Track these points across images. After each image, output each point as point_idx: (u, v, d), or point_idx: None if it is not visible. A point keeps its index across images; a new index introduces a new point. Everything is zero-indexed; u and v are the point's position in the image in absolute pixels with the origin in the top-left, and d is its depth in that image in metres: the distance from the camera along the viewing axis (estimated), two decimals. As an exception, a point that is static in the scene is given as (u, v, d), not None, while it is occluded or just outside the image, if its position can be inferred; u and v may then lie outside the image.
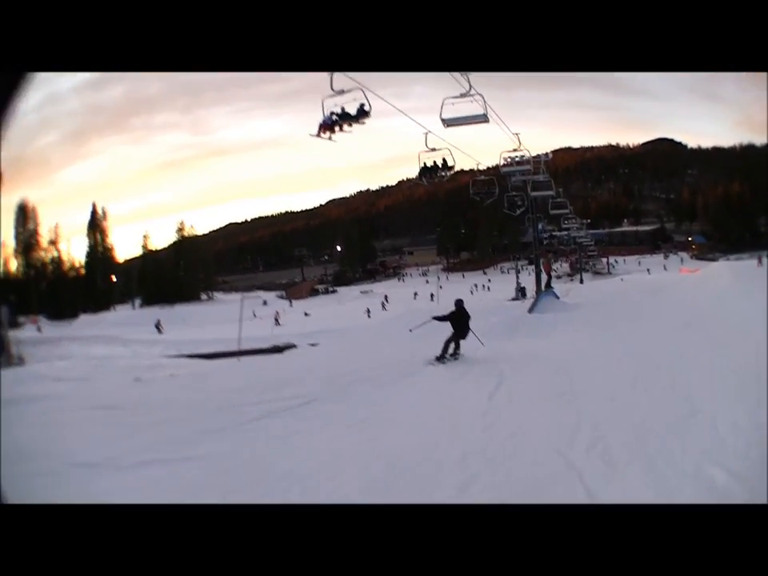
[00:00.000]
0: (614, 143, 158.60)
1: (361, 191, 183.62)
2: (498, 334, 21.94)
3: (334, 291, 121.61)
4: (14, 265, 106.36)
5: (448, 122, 30.98)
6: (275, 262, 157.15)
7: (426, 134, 30.21)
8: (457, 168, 33.83)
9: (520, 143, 39.66)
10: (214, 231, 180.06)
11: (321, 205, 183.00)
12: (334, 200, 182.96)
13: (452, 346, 19.40)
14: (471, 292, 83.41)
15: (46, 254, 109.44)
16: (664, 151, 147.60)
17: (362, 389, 16.19)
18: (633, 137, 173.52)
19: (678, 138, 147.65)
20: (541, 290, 44.84)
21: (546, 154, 46.09)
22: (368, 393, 15.73)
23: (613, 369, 15.60)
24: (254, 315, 69.27)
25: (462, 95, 29.53)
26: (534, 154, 43.45)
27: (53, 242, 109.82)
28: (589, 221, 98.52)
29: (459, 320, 19.62)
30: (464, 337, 19.57)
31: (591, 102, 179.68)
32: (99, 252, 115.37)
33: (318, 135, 24.80)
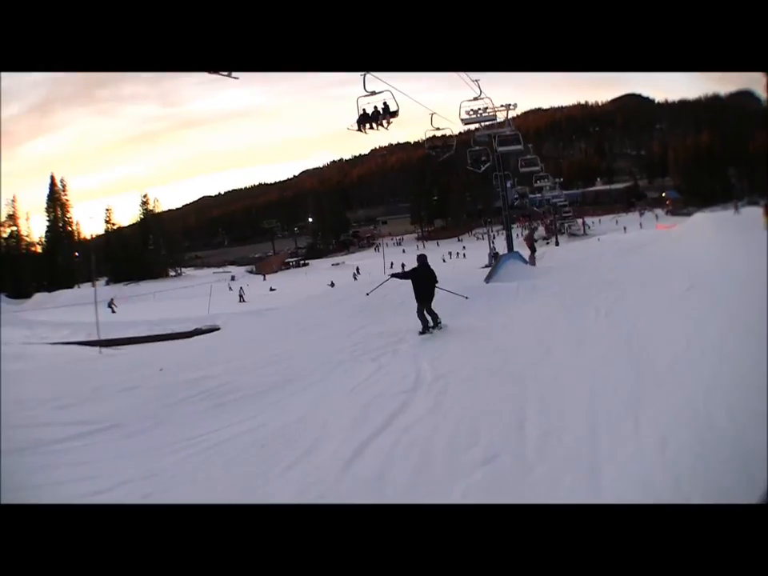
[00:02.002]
0: (582, 102, 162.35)
1: (334, 161, 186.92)
2: (441, 310, 16.87)
3: (305, 264, 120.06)
4: None
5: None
6: (249, 235, 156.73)
7: (364, 75, 27.34)
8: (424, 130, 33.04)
9: (481, 91, 38.30)
10: (186, 205, 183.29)
11: (294, 176, 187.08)
12: (307, 170, 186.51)
13: (428, 316, 16.71)
14: (443, 260, 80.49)
15: (2, 228, 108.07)
16: (632, 107, 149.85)
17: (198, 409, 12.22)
18: (601, 94, 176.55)
19: (645, 93, 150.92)
20: (512, 248, 41.91)
21: (512, 104, 42.88)
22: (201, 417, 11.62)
23: (583, 359, 11.11)
24: (230, 289, 68.18)
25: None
26: (498, 105, 42.42)
27: (11, 216, 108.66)
28: (561, 179, 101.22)
29: (421, 279, 16.76)
30: (429, 299, 16.70)
31: None
32: (59, 227, 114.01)
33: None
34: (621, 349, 11.09)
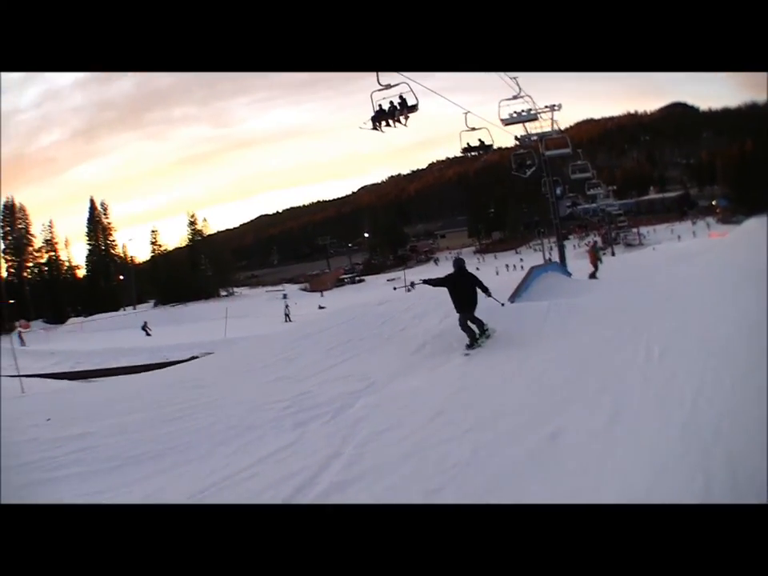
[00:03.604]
0: (632, 111, 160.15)
1: (392, 176, 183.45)
2: (441, 344, 14.50)
3: (360, 281, 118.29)
4: (3, 266, 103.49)
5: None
6: (307, 252, 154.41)
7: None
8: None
9: (520, 90, 35.55)
10: (244, 224, 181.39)
11: (353, 192, 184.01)
12: (365, 186, 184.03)
13: (473, 326, 14.56)
14: (497, 272, 78.96)
15: (40, 254, 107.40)
16: (679, 116, 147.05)
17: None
18: (649, 104, 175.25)
19: (689, 102, 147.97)
20: (565, 260, 40.94)
21: (556, 105, 39.79)
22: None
23: (612, 462, 6.67)
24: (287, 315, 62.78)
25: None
26: (543, 106, 39.63)
27: (48, 242, 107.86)
28: (615, 187, 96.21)
29: (459, 285, 14.69)
30: (471, 306, 14.59)
31: (606, 72, 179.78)
32: (101, 251, 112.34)
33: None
34: (681, 434, 6.55)
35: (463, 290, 14.47)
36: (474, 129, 32.96)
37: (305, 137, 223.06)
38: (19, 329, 70.29)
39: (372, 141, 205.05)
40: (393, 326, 17.14)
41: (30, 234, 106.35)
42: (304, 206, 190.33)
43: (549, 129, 39.63)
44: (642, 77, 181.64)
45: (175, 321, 71.60)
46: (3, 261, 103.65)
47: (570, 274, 31.09)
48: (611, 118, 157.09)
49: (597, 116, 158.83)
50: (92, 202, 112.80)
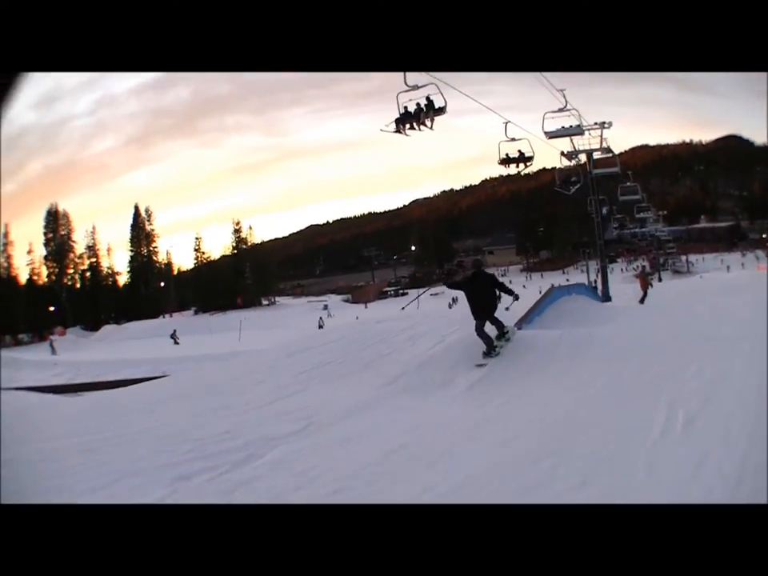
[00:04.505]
0: (687, 140, 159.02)
1: (444, 191, 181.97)
2: (421, 380, 12.28)
3: (404, 294, 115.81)
4: (44, 273, 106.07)
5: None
6: (354, 263, 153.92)
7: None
8: (537, 164, 34.95)
9: (567, 102, 34.55)
10: (293, 234, 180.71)
11: (404, 205, 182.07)
12: (417, 200, 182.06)
13: (491, 329, 13.73)
14: (540, 291, 74.11)
15: (81, 260, 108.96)
16: (734, 148, 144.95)
17: None
18: (704, 134, 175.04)
19: (744, 135, 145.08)
20: (607, 288, 38.94)
21: (606, 122, 38.52)
22: None
23: None
24: (321, 323, 64.85)
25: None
26: (594, 123, 38.66)
27: (90, 248, 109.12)
28: (665, 212, 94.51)
29: (475, 287, 13.88)
30: (490, 310, 13.78)
31: (663, 99, 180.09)
32: (143, 257, 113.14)
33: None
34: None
35: (481, 291, 13.64)
36: (513, 139, 32.03)
37: (359, 148, 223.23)
38: (52, 337, 71.67)
39: (426, 155, 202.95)
40: (379, 350, 15.29)
41: (72, 241, 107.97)
42: (355, 217, 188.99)
43: (597, 146, 38.33)
44: (697, 107, 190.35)
45: (209, 330, 71.04)
46: (45, 267, 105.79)
47: (601, 298, 28.65)
48: (666, 146, 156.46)
49: (652, 142, 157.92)
50: (136, 208, 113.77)
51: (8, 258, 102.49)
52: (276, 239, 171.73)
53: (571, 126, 36.58)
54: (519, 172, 35.47)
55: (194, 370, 22.91)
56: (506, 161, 32.91)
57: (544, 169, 39.06)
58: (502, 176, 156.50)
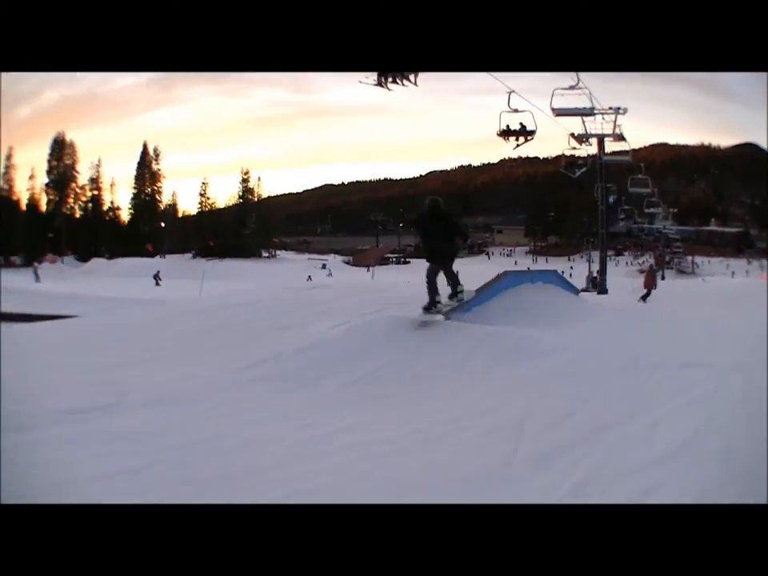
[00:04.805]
0: (706, 143, 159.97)
1: (462, 166, 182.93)
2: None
3: (406, 262, 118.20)
4: (44, 200, 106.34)
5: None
6: (364, 227, 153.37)
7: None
8: (556, 149, 33.29)
9: (579, 80, 33.88)
10: (307, 191, 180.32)
11: (420, 175, 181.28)
12: (434, 172, 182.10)
13: (447, 283, 12.75)
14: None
15: (83, 191, 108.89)
16: (750, 156, 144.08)
17: None
18: (723, 139, 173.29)
19: (762, 144, 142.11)
20: (604, 279, 40.04)
21: (621, 108, 37.54)
22: None
23: None
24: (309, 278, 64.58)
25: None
26: (607, 107, 37.51)
27: (93, 180, 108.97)
28: (675, 210, 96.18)
29: (432, 231, 12.31)
30: (443, 259, 12.38)
31: (687, 100, 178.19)
32: (146, 196, 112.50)
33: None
34: None
35: (434, 239, 12.15)
36: (516, 110, 31.19)
37: (383, 114, 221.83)
38: (37, 264, 70.77)
39: (448, 129, 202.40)
40: (278, 321, 13.15)
41: (76, 171, 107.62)
42: (370, 181, 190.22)
43: (609, 131, 37.54)
44: (719, 111, 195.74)
45: (197, 275, 69.28)
46: (44, 194, 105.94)
47: (568, 287, 22.51)
48: (685, 146, 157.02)
49: (672, 141, 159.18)
50: (144, 146, 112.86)
51: (9, 180, 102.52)
52: (289, 194, 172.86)
53: (585, 108, 35.78)
54: (518, 145, 33.37)
55: (99, 316, 20.28)
56: (505, 133, 31.94)
57: (563, 155, 39.32)
58: (521, 157, 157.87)
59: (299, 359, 10.21)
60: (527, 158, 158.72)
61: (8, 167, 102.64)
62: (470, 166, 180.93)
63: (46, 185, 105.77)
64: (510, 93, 30.19)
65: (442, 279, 12.60)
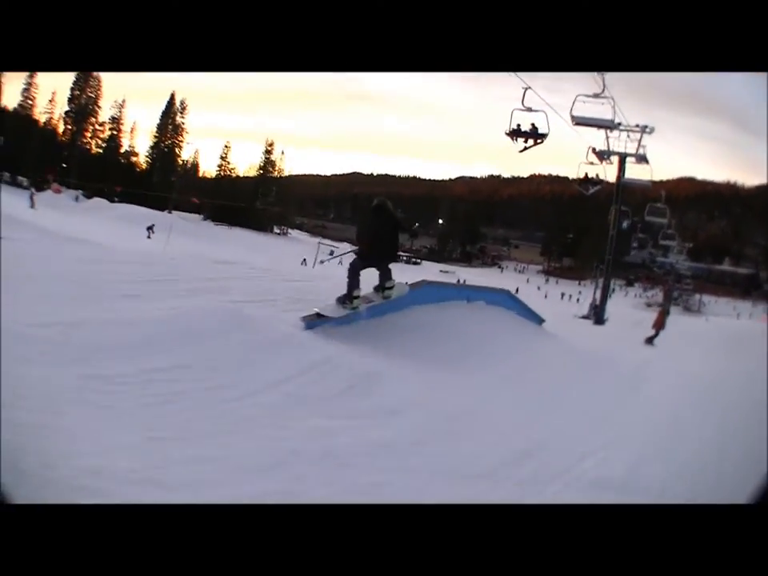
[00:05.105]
0: (732, 181, 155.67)
1: (492, 175, 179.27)
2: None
3: (417, 263, 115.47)
4: (61, 128, 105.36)
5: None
6: None
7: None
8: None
9: (604, 87, 32.91)
10: (335, 175, 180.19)
11: (449, 179, 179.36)
12: (463, 177, 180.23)
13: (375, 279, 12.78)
14: (545, 295, 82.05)
15: (102, 128, 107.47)
16: None
17: None
18: (750, 177, 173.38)
19: None
20: (604, 304, 39.87)
21: (648, 127, 37.04)
22: None
23: None
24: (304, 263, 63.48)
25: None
26: (634, 124, 37.03)
27: (115, 120, 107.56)
28: (691, 245, 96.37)
29: (374, 227, 12.42)
30: (380, 260, 12.46)
31: (720, 135, 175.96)
32: (164, 147, 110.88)
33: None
34: None
35: (375, 237, 12.26)
36: (530, 109, 28.99)
37: (423, 110, 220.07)
38: (33, 189, 71.38)
39: (485, 135, 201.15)
40: (134, 288, 11.72)
41: (98, 106, 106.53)
42: (399, 176, 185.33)
43: (633, 151, 37.04)
44: (748, 148, 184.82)
45: (196, 236, 68.67)
46: (63, 122, 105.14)
47: (523, 310, 19.13)
48: (711, 182, 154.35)
49: (699, 176, 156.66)
50: (172, 96, 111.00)
51: (31, 99, 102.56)
52: (315, 175, 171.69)
53: (607, 120, 34.76)
54: (525, 148, 30.55)
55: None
56: (515, 133, 29.56)
57: (577, 179, 39.03)
58: (550, 175, 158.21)
59: (91, 332, 8.54)
60: (556, 176, 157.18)
61: (29, 84, 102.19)
62: (499, 176, 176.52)
63: (66, 113, 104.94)
64: (525, 89, 28.33)
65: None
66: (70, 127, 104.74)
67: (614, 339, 25.71)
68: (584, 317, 42.55)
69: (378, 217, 12.34)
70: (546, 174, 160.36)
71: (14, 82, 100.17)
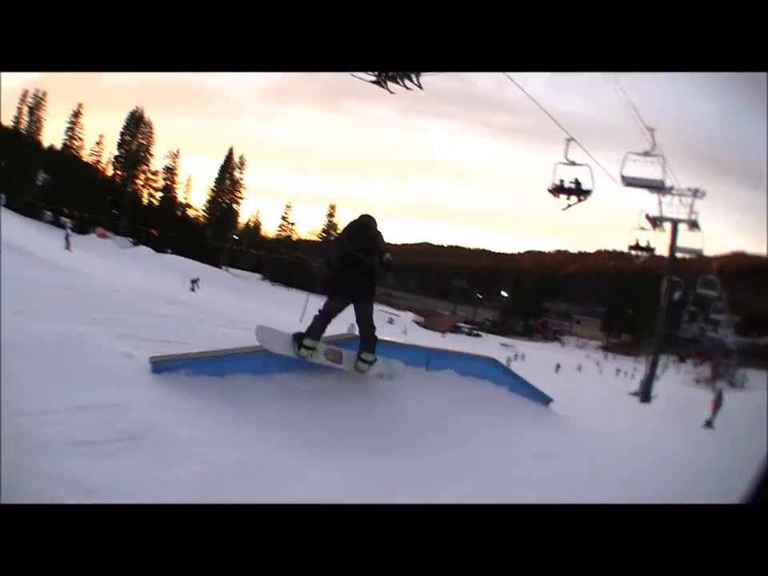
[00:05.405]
0: None
1: (559, 250, 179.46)
2: None
3: (477, 335, 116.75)
4: (110, 171, 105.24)
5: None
6: (445, 291, 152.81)
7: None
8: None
9: (654, 144, 31.82)
10: (405, 244, 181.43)
11: (518, 252, 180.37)
12: (531, 251, 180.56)
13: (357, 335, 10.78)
14: (600, 371, 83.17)
15: (155, 177, 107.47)
16: None
17: None
18: None
19: None
20: (652, 380, 38.41)
21: (699, 191, 36.04)
22: None
23: None
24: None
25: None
26: (687, 188, 36.19)
27: (169, 170, 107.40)
28: (739, 319, 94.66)
29: (354, 257, 10.10)
30: (363, 298, 10.30)
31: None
32: (221, 202, 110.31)
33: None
34: None
35: (350, 272, 10.07)
36: (573, 163, 27.60)
37: (491, 180, 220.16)
38: (70, 230, 69.46)
39: (552, 210, 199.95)
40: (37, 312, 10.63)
41: (150, 153, 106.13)
42: (469, 248, 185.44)
43: (684, 217, 36.16)
44: None
45: (243, 293, 69.03)
46: (112, 166, 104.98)
47: (544, 397, 15.20)
48: (759, 256, 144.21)
49: (750, 250, 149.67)
50: (230, 151, 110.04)
51: (75, 138, 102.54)
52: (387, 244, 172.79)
53: (657, 181, 33.64)
54: (569, 206, 28.58)
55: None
56: (558, 189, 27.95)
57: (652, 255, 39.32)
58: (615, 251, 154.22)
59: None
60: (620, 252, 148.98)
61: (74, 124, 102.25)
62: (566, 251, 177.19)
63: (115, 157, 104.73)
64: (568, 140, 27.38)
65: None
66: (119, 172, 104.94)
67: (657, 419, 24.99)
68: (634, 393, 41.43)
69: (358, 234, 10.34)
70: (611, 249, 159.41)
71: (59, 120, 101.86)
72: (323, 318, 9.97)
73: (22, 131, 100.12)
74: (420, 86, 19.93)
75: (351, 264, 9.86)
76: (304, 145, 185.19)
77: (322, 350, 10.07)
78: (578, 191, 27.74)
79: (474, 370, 13.27)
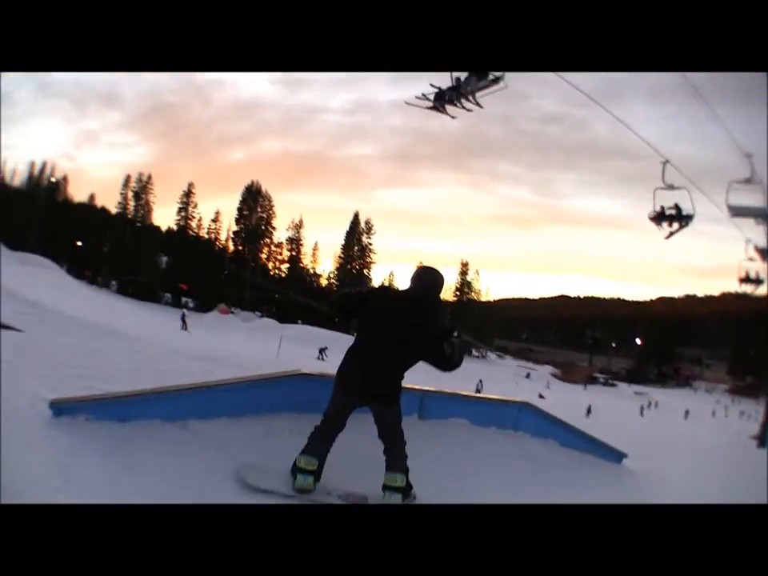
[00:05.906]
0: None
1: (688, 295, 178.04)
2: None
3: (612, 384, 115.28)
4: (231, 247, 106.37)
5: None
6: (581, 342, 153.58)
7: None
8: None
9: (753, 171, 28.75)
10: (543, 298, 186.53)
11: (650, 299, 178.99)
12: (663, 298, 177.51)
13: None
14: (726, 414, 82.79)
15: (279, 249, 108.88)
16: None
17: None
18: None
19: None
20: (765, 433, 36.13)
21: None
22: None
23: None
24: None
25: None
26: None
27: (294, 240, 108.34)
28: None
29: (379, 342, 5.83)
30: (379, 375, 5.89)
31: None
32: (353, 268, 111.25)
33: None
34: None
35: (390, 350, 5.77)
36: (672, 187, 24.66)
37: (620, 229, 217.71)
38: (186, 311, 69.14)
39: (681, 254, 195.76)
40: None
41: (272, 227, 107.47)
42: (605, 298, 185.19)
43: None
44: None
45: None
46: (232, 242, 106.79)
47: (617, 455, 10.46)
48: None
49: None
50: (356, 216, 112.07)
51: (189, 218, 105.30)
52: (520, 298, 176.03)
53: (763, 208, 30.07)
54: (671, 234, 26.13)
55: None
56: (660, 216, 25.42)
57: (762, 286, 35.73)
58: (738, 293, 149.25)
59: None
60: (744, 294, 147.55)
61: (186, 204, 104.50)
62: (694, 296, 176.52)
63: (234, 233, 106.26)
64: (664, 163, 23.78)
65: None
66: (241, 248, 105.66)
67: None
68: (755, 437, 39.53)
69: (406, 302, 5.99)
70: (734, 291, 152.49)
71: (170, 204, 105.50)
72: (325, 427, 6.09)
73: (129, 216, 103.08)
74: (479, 105, 19.42)
75: (382, 345, 5.79)
76: (432, 205, 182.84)
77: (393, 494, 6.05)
78: (679, 217, 25.51)
79: (497, 418, 9.55)
